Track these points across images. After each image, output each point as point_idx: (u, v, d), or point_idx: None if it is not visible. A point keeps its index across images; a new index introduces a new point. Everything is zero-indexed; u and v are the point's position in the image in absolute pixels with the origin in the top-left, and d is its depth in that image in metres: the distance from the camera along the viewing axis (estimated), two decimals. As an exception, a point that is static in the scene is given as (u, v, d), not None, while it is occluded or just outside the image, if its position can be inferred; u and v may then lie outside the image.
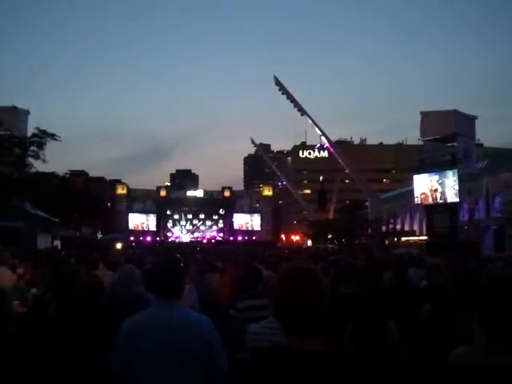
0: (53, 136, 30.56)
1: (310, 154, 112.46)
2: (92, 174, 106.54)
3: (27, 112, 37.91)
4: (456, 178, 34.23)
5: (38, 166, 31.91)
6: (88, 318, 3.63)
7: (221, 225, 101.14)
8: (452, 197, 34.56)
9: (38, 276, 7.51)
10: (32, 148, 30.22)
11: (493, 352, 1.69)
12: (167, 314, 2.93)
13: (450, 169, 34.54)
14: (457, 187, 34.29)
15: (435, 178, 35.92)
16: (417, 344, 4.01)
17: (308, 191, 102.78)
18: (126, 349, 2.88)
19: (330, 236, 63.43)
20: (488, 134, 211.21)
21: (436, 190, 35.85)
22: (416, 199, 38.76)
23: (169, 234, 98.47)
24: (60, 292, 3.94)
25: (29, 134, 31.84)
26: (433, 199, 36.22)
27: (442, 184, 35.31)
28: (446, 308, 3.70)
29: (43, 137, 30.21)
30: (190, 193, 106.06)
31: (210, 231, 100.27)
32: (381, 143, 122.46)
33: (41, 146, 30.11)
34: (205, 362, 2.87)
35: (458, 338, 2.54)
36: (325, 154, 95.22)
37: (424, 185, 36.95)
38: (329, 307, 1.93)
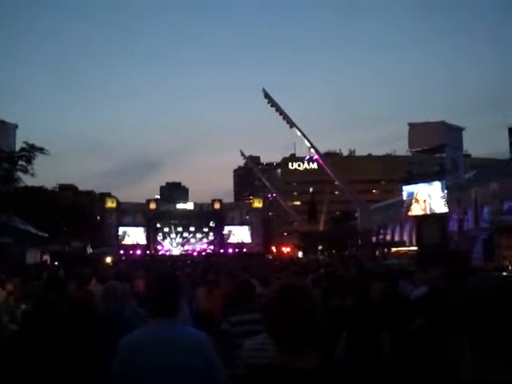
0: (41, 150, 30.46)
1: (299, 165, 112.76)
2: (81, 187, 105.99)
3: (15, 126, 37.80)
4: (444, 188, 34.49)
5: (27, 180, 31.78)
6: (69, 334, 3.59)
7: (211, 237, 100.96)
8: (441, 207, 34.79)
9: (28, 292, 7.45)
10: (20, 162, 30.09)
11: (487, 368, 1.60)
12: (165, 332, 2.88)
13: (439, 179, 34.80)
14: (445, 198, 34.54)
15: (424, 188, 36.17)
16: (408, 356, 4.01)
17: (298, 203, 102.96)
18: (122, 367, 2.82)
19: (320, 247, 63.50)
20: (475, 145, 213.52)
21: (425, 201, 36.09)
22: (405, 210, 38.98)
23: (159, 247, 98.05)
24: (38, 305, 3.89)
25: (17, 148, 31.74)
26: (422, 210, 36.43)
27: (430, 195, 35.54)
28: (438, 321, 3.71)
29: (32, 151, 30.10)
30: (179, 205, 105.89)
31: (201, 244, 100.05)
32: (369, 154, 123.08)
33: (29, 160, 29.98)
34: (204, 379, 2.82)
35: (451, 352, 2.55)
36: (314, 165, 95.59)
37: (413, 195, 37.20)
38: (322, 324, 1.93)
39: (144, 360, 2.79)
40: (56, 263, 26.69)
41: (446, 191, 34.49)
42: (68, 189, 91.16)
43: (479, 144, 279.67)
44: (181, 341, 2.88)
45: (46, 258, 32.07)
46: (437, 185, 34.91)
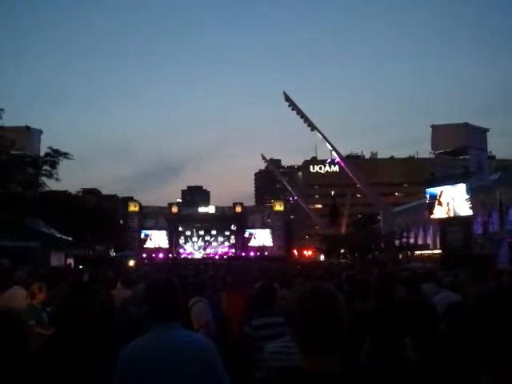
0: (66, 155, 30.88)
1: (320, 168, 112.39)
2: (104, 191, 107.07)
3: (40, 132, 38.48)
4: (469, 190, 33.98)
5: (51, 185, 32.28)
6: (95, 338, 3.61)
7: (233, 241, 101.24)
8: (465, 210, 34.28)
9: (54, 295, 7.53)
10: (45, 167, 30.55)
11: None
12: (168, 338, 2.85)
13: (463, 182, 34.30)
14: (470, 200, 34.01)
15: (448, 191, 35.68)
16: (433, 360, 3.96)
17: (319, 206, 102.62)
18: (125, 375, 2.78)
19: (342, 250, 63.03)
20: (500, 146, 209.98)
21: (448, 204, 35.60)
22: (428, 213, 38.50)
23: (181, 251, 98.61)
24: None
25: (42, 153, 32.28)
26: (445, 212, 35.94)
27: (454, 197, 35.05)
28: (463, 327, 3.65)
29: (56, 156, 30.53)
30: (201, 209, 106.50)
31: (222, 247, 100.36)
32: (392, 157, 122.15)
33: (54, 165, 30.42)
34: None
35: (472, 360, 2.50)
36: (336, 168, 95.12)
37: (436, 198, 36.72)
38: (348, 328, 1.93)
39: (148, 367, 2.75)
40: (81, 267, 26.96)
41: (470, 193, 33.97)
42: (91, 193, 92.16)
43: (504, 145, 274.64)
44: (184, 347, 2.85)
45: (70, 261, 32.39)
46: (461, 187, 34.41)
